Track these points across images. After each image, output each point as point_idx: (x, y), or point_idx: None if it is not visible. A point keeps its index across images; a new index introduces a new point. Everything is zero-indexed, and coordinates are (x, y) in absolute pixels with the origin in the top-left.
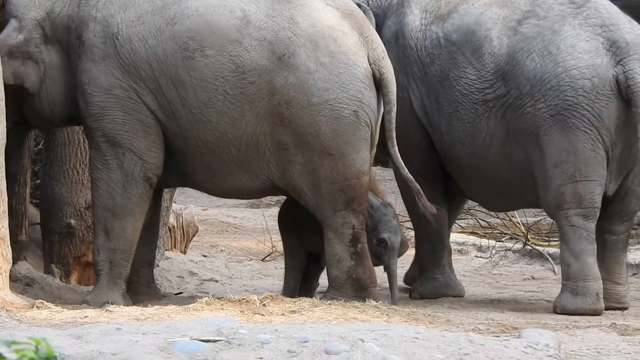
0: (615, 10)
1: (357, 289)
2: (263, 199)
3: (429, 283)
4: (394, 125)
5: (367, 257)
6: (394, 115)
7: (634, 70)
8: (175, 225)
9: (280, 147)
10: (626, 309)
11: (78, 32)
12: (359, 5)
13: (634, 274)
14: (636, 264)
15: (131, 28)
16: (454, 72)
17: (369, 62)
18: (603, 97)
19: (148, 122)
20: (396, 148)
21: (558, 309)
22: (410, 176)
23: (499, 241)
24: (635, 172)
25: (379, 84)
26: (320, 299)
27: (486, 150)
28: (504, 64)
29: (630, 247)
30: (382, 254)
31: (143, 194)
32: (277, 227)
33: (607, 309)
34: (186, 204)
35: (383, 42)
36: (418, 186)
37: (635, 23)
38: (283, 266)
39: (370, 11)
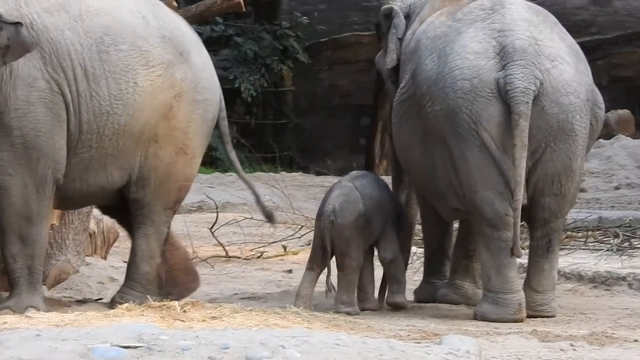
0: (524, 16)
1: (159, 287)
2: (184, 204)
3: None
4: (228, 131)
5: (167, 258)
6: (226, 122)
7: (513, 75)
8: (96, 231)
9: (152, 139)
10: (547, 317)
11: None
12: None
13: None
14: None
15: (45, 18)
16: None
17: None
18: (482, 99)
19: (62, 115)
20: (234, 152)
21: (479, 317)
22: (247, 178)
23: (420, 247)
24: (539, 180)
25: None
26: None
27: (411, 152)
28: (414, 64)
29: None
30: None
31: (52, 195)
32: (199, 233)
33: (528, 316)
34: None
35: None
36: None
37: (557, 31)
38: (203, 272)
39: None
